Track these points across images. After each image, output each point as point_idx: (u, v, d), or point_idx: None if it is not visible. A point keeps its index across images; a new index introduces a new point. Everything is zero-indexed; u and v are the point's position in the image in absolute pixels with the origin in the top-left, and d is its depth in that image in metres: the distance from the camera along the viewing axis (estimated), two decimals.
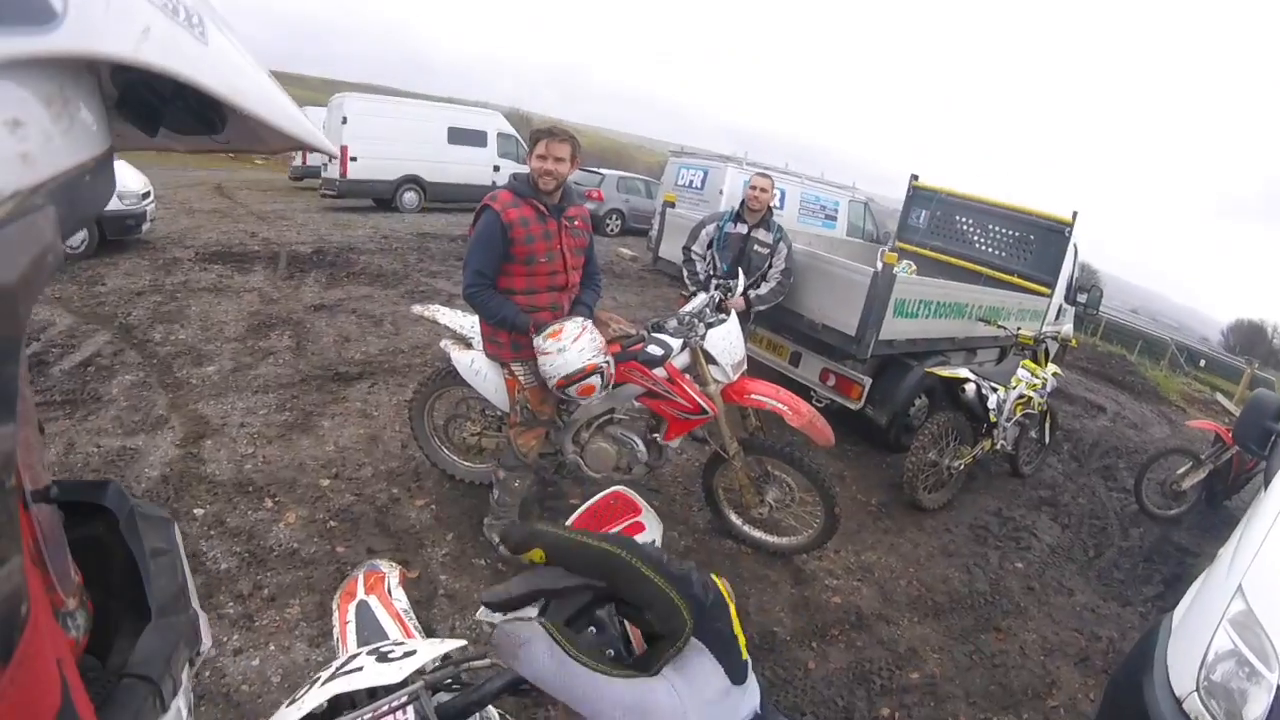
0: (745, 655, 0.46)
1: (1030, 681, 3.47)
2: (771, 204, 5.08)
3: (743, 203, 5.07)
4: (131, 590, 0.48)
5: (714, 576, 0.48)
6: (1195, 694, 2.39)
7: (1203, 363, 23.53)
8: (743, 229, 5.01)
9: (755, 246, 4.98)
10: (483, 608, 1.13)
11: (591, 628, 0.89)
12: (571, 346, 3.14)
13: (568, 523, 1.12)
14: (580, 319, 3.24)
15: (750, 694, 0.47)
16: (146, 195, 8.63)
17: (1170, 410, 11.27)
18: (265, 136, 0.36)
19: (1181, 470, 5.68)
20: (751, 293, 4.84)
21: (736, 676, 0.45)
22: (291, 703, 1.04)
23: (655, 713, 0.42)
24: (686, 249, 5.16)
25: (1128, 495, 6.04)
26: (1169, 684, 2.50)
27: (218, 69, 0.29)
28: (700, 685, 0.44)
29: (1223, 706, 2.32)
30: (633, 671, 0.44)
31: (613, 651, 0.87)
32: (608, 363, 3.24)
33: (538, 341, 3.17)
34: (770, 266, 4.98)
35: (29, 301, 0.22)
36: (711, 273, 5.06)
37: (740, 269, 4.84)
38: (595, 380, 3.21)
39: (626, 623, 0.66)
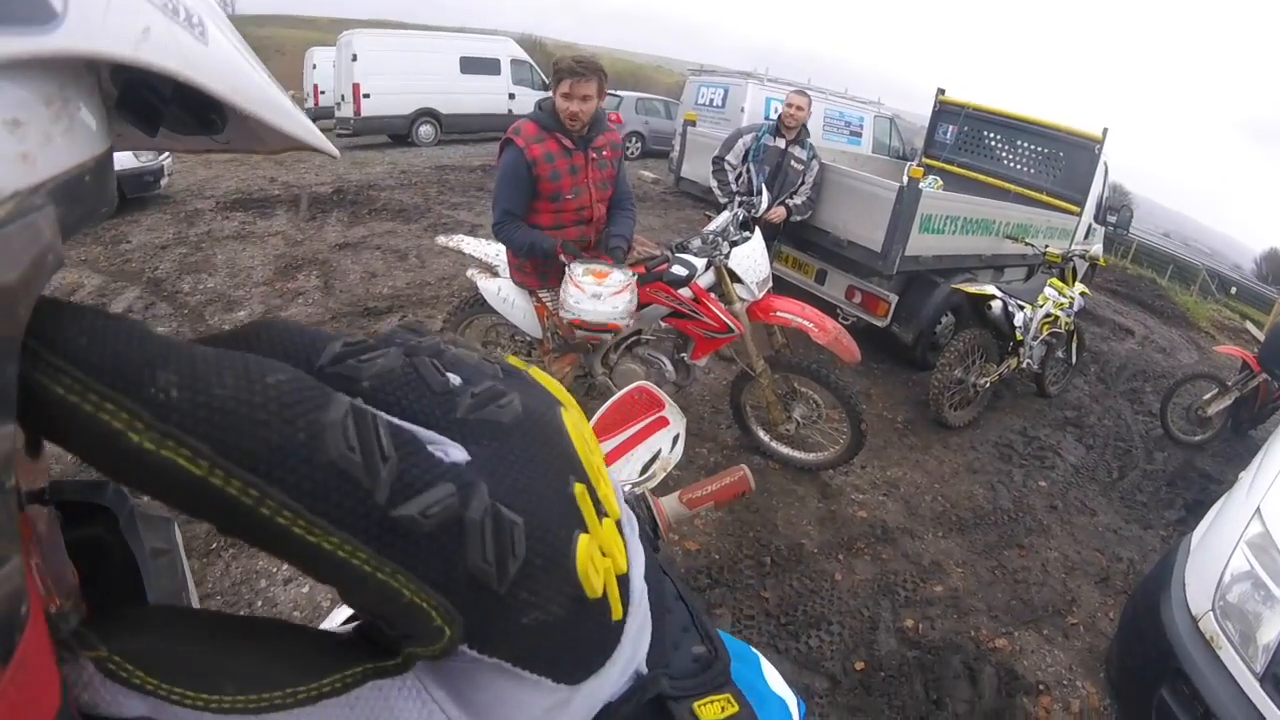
0: (618, 612, 0.27)
1: (1051, 598, 3.52)
2: (806, 122, 5.04)
3: (780, 117, 5.04)
4: (131, 590, 0.50)
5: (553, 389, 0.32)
6: (1210, 614, 2.43)
7: (1234, 290, 23.07)
8: (780, 144, 4.99)
9: (791, 162, 4.99)
10: None
11: None
12: (610, 298, 3.12)
13: (595, 416, 1.13)
14: (629, 275, 3.21)
15: (614, 669, 0.28)
16: (162, 150, 8.62)
17: (1199, 336, 11.11)
18: (265, 137, 0.36)
19: (1208, 396, 5.63)
20: (790, 201, 4.86)
21: (578, 673, 0.26)
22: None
23: None
24: (719, 159, 5.10)
25: (1153, 419, 6.00)
26: (1185, 603, 2.55)
27: (218, 69, 0.28)
28: (492, 709, 0.25)
29: (1237, 628, 2.37)
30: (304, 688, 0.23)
31: None
32: (627, 325, 3.26)
33: (575, 270, 3.13)
34: (803, 183, 4.99)
35: (29, 302, 0.21)
36: (741, 188, 5.05)
37: (772, 183, 4.85)
38: (607, 337, 3.23)
39: None
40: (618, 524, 0.28)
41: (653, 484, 1.13)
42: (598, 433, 1.16)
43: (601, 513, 0.27)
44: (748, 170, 5.06)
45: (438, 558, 0.21)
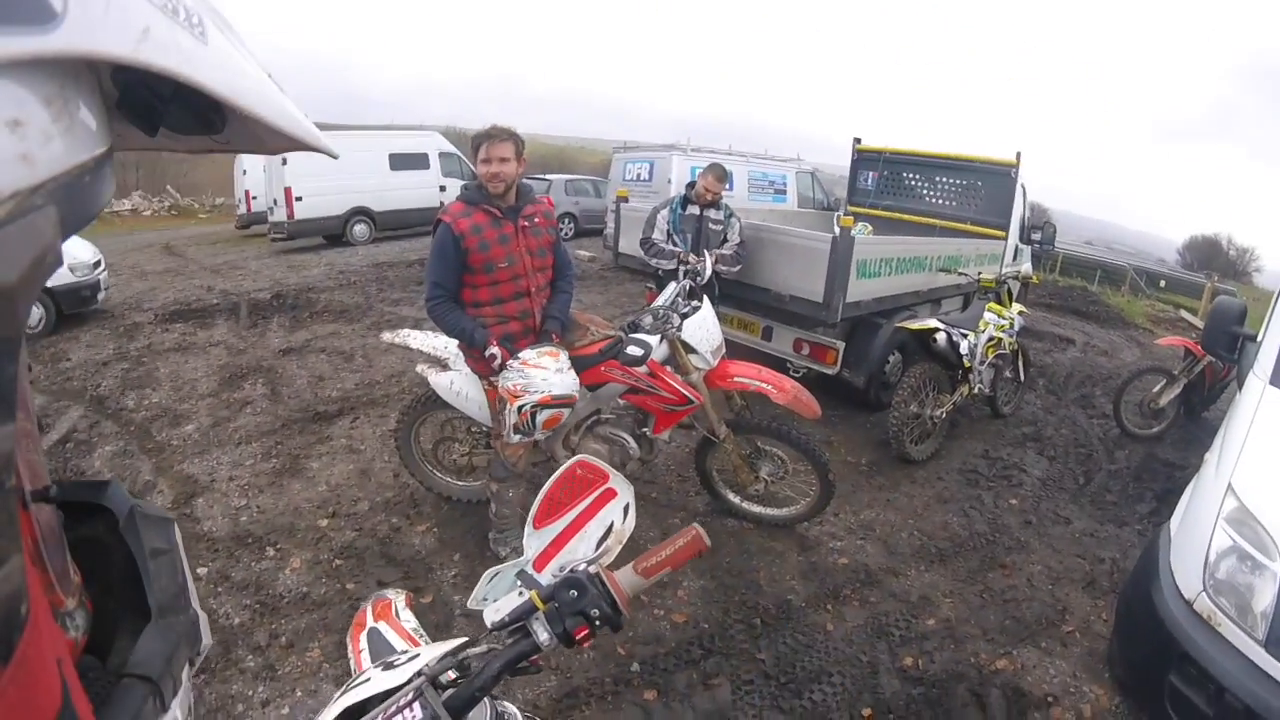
0: None
1: (1042, 611, 3.55)
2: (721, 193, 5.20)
3: (690, 185, 5.21)
4: (131, 590, 0.49)
5: None
6: (1204, 594, 2.48)
7: (1163, 283, 23.81)
8: (695, 210, 5.14)
9: (710, 225, 5.12)
10: (473, 597, 1.16)
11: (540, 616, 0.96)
12: (568, 371, 3.20)
13: (538, 497, 1.17)
14: (565, 354, 3.29)
15: None
16: (98, 264, 8.53)
17: (1138, 333, 11.48)
18: (264, 137, 0.37)
19: (1157, 388, 5.80)
20: (717, 251, 5.01)
21: None
22: None
23: None
24: (646, 239, 5.21)
25: (1108, 420, 6.16)
26: (1177, 589, 2.59)
27: (217, 69, 0.29)
28: None
29: (1232, 601, 2.41)
30: None
31: (556, 646, 0.92)
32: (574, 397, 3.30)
33: (529, 356, 3.17)
34: (726, 239, 5.12)
35: (29, 301, 0.22)
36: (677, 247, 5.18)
37: (697, 248, 5.00)
38: (565, 413, 3.25)
39: None
40: None
41: (609, 559, 1.13)
42: (546, 513, 1.17)
43: None
44: (672, 242, 5.18)
45: None
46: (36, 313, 7.72)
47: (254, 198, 18.71)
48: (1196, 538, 2.64)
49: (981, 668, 3.13)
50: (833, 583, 3.66)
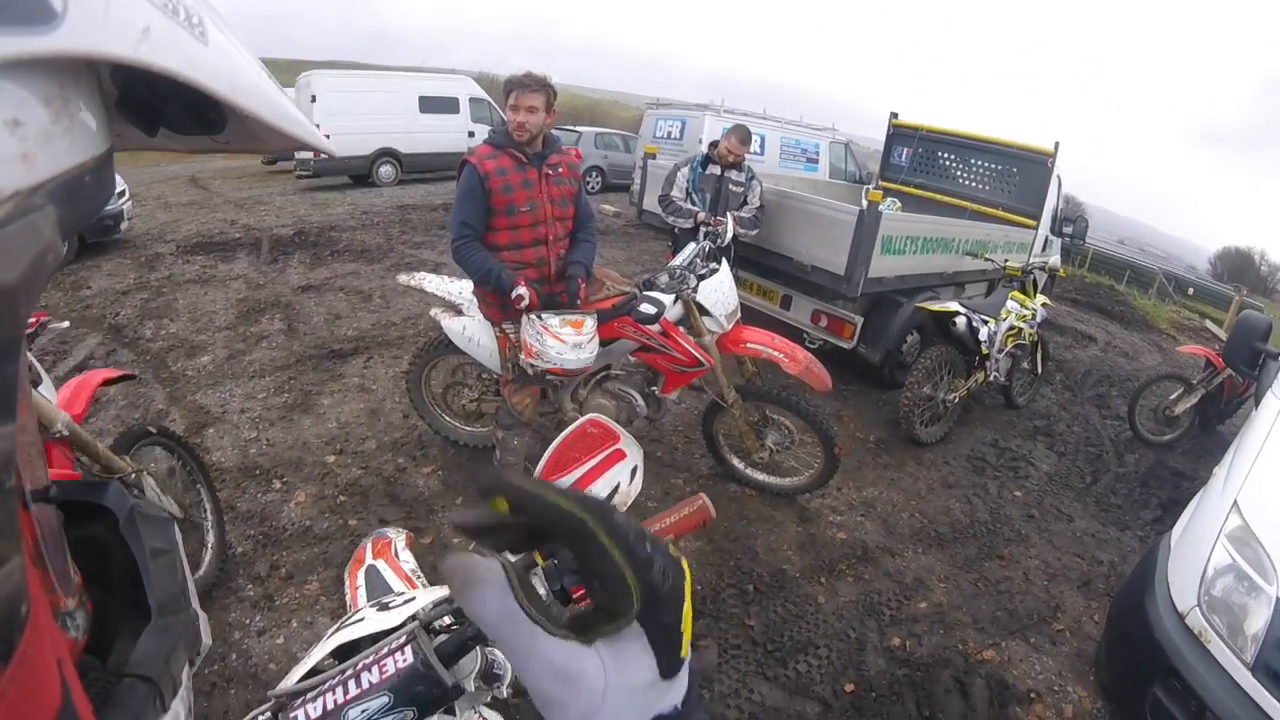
0: (685, 653, 0.45)
1: (1035, 606, 3.54)
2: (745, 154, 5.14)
3: (713, 145, 5.15)
4: (131, 590, 0.49)
5: (684, 564, 0.46)
6: (1197, 609, 2.45)
7: (1191, 291, 23.50)
8: (715, 170, 5.08)
9: (730, 186, 5.06)
10: (473, 548, 1.16)
11: (539, 571, 0.93)
12: (586, 346, 3.21)
13: (547, 451, 1.15)
14: (594, 319, 3.30)
15: (676, 689, 0.46)
16: (121, 194, 8.56)
17: (1160, 338, 11.30)
18: (265, 137, 0.37)
19: (1174, 396, 5.72)
20: (736, 213, 4.95)
21: (667, 670, 0.44)
22: (301, 662, 1.07)
23: (578, 681, 0.41)
24: (665, 196, 5.17)
25: (1122, 422, 6.08)
26: (1171, 601, 2.57)
27: (217, 69, 0.29)
28: (628, 670, 0.42)
29: (1224, 620, 2.38)
30: (569, 634, 0.42)
31: (551, 602, 0.92)
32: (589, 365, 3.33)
33: (552, 322, 3.17)
34: (745, 203, 5.07)
35: (29, 302, 0.22)
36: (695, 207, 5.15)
37: (715, 208, 4.97)
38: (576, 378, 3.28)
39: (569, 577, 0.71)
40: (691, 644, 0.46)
41: None
42: (553, 469, 1.16)
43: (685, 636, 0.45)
44: (691, 201, 5.13)
45: (643, 568, 0.40)
46: None
47: None
48: (1196, 551, 2.62)
49: (968, 656, 3.13)
50: (829, 556, 3.67)
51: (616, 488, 1.17)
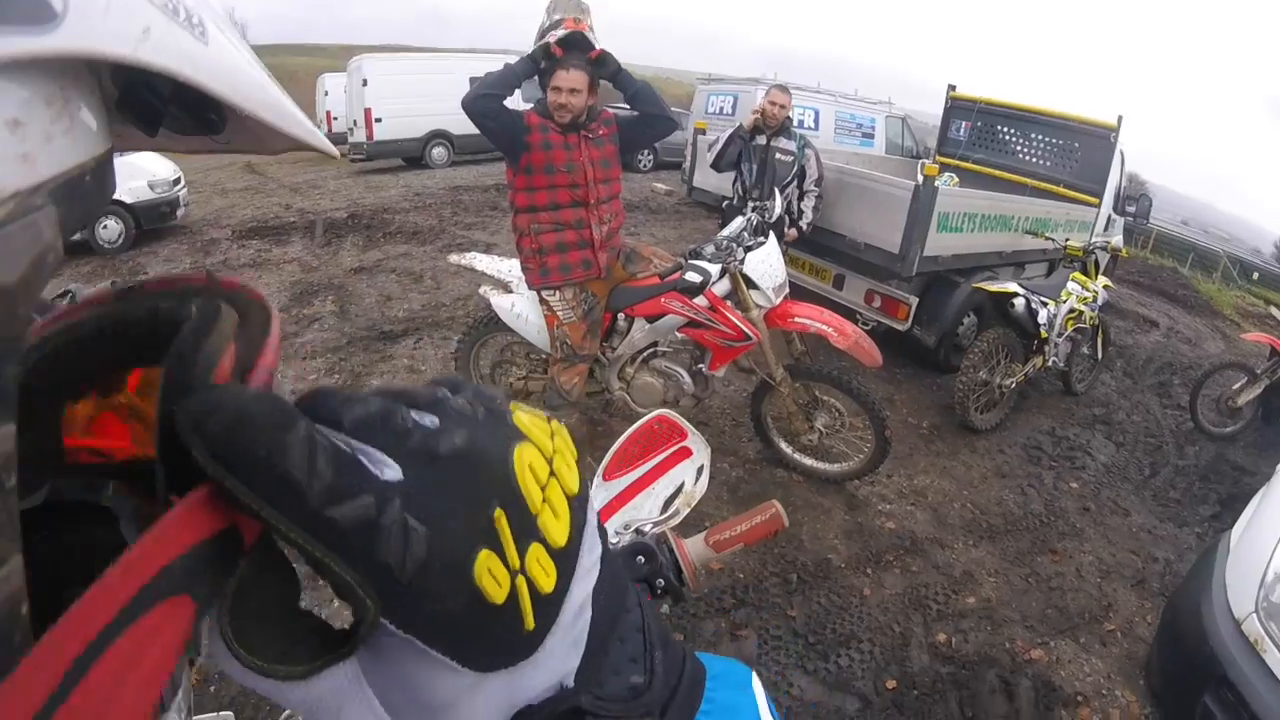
0: (530, 623, 0.30)
1: (1087, 604, 3.42)
2: (790, 115, 4.98)
3: (759, 113, 4.96)
4: None
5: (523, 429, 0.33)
6: (1254, 615, 2.33)
7: (1256, 275, 22.82)
8: (762, 140, 4.92)
9: (777, 155, 4.90)
10: None
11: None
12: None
13: (613, 447, 1.11)
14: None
15: (546, 664, 0.32)
16: (177, 181, 8.79)
17: (1224, 325, 10.91)
18: (265, 137, 0.36)
19: (1237, 386, 5.47)
20: (802, 223, 4.83)
21: (482, 661, 0.30)
22: None
23: (322, 713, 0.30)
24: (715, 166, 5.11)
25: (1183, 412, 5.87)
26: (1227, 605, 2.45)
27: (218, 69, 0.29)
28: (405, 681, 0.30)
29: None
30: (313, 661, 0.29)
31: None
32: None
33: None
34: (804, 177, 4.90)
35: (29, 302, 0.22)
36: (738, 191, 5.05)
37: (761, 180, 4.84)
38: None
39: None
40: (559, 550, 0.32)
41: (675, 521, 1.06)
42: (617, 465, 1.11)
43: (531, 536, 0.30)
44: (739, 173, 5.03)
45: (356, 548, 0.26)
46: (116, 227, 8.06)
47: (335, 119, 18.90)
48: (1256, 554, 2.49)
49: (1015, 655, 3.04)
50: (876, 546, 3.59)
51: (681, 487, 1.12)
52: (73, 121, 0.24)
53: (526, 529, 0.30)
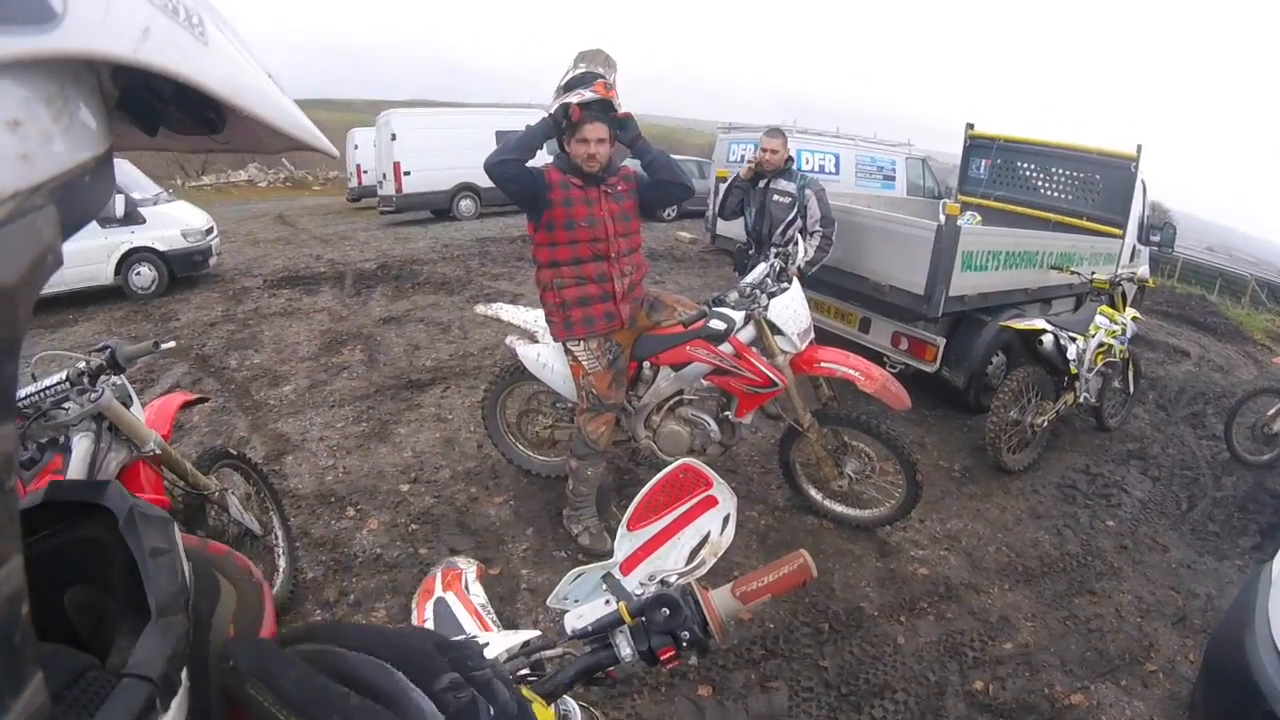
0: None
1: (1127, 645, 3.33)
2: (791, 156, 5.02)
3: (753, 163, 5.00)
4: (132, 590, 0.49)
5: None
6: None
7: None
8: (761, 184, 4.96)
9: (775, 197, 4.92)
10: (554, 595, 1.12)
11: (625, 630, 0.92)
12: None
13: (638, 496, 1.11)
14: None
15: None
16: (210, 231, 9.04)
17: (1255, 350, 10.70)
18: (265, 137, 0.37)
19: (1272, 412, 5.35)
20: (801, 262, 4.77)
21: None
22: None
23: None
24: (714, 218, 5.13)
25: (1218, 442, 5.74)
26: (1271, 639, 2.36)
27: (217, 69, 0.29)
28: None
29: None
30: None
31: (636, 662, 0.88)
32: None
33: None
34: (805, 217, 4.87)
35: (29, 302, 0.22)
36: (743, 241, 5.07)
37: (760, 225, 4.91)
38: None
39: None
40: None
41: (701, 571, 1.06)
42: (642, 515, 1.12)
43: None
44: (744, 218, 5.07)
45: None
46: (149, 274, 8.34)
47: (365, 171, 19.31)
48: None
49: (1055, 700, 2.96)
50: (909, 593, 3.53)
51: (707, 536, 1.11)
52: (73, 121, 0.25)
53: None
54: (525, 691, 0.46)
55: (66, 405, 2.17)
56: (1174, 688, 3.10)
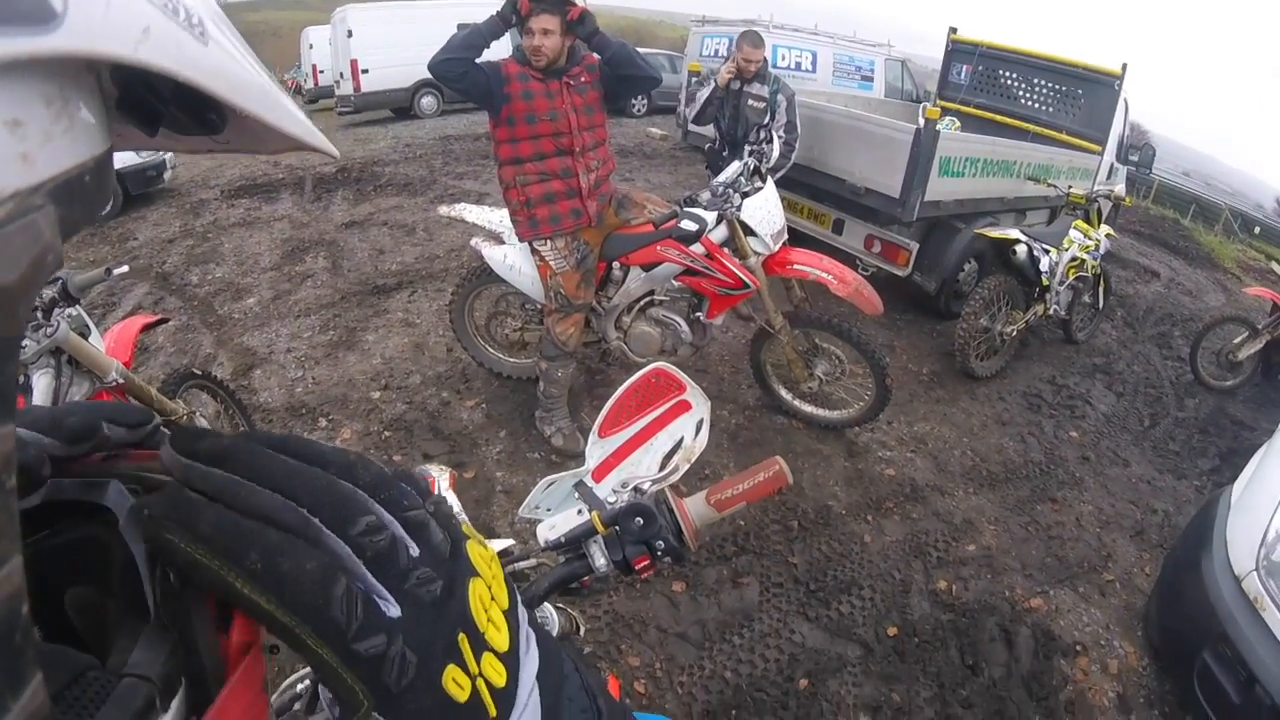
0: (492, 711, 0.39)
1: (1086, 554, 3.44)
2: (765, 59, 4.87)
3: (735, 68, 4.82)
4: (132, 590, 0.46)
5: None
6: (1255, 573, 2.34)
7: (1257, 230, 22.66)
8: (735, 85, 4.81)
9: (749, 102, 4.78)
10: (526, 505, 1.11)
11: (599, 540, 0.93)
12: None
13: (609, 402, 1.09)
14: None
15: None
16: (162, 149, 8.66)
17: (1225, 278, 10.86)
18: (265, 137, 0.37)
19: (1238, 340, 5.43)
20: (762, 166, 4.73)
21: None
22: None
23: None
24: (687, 118, 5.03)
25: (1183, 364, 5.84)
26: (1228, 562, 2.46)
27: (217, 69, 0.29)
28: None
29: None
30: None
31: (611, 572, 0.92)
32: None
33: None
34: (771, 119, 4.76)
35: (28, 302, 0.22)
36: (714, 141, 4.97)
37: (734, 129, 4.80)
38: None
39: None
40: (505, 653, 0.41)
41: (675, 478, 1.04)
42: (614, 421, 1.10)
43: (483, 648, 0.39)
44: (716, 120, 4.95)
45: (368, 670, 0.34)
46: None
47: (321, 72, 18.69)
48: (1258, 512, 2.49)
49: (1015, 603, 3.06)
50: (876, 493, 3.60)
51: (680, 442, 1.10)
52: (72, 121, 0.24)
53: (479, 644, 0.39)
54: (466, 528, 0.46)
55: (23, 343, 2.11)
56: (1130, 598, 3.21)
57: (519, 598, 0.46)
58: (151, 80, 0.27)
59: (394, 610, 0.36)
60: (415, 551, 0.38)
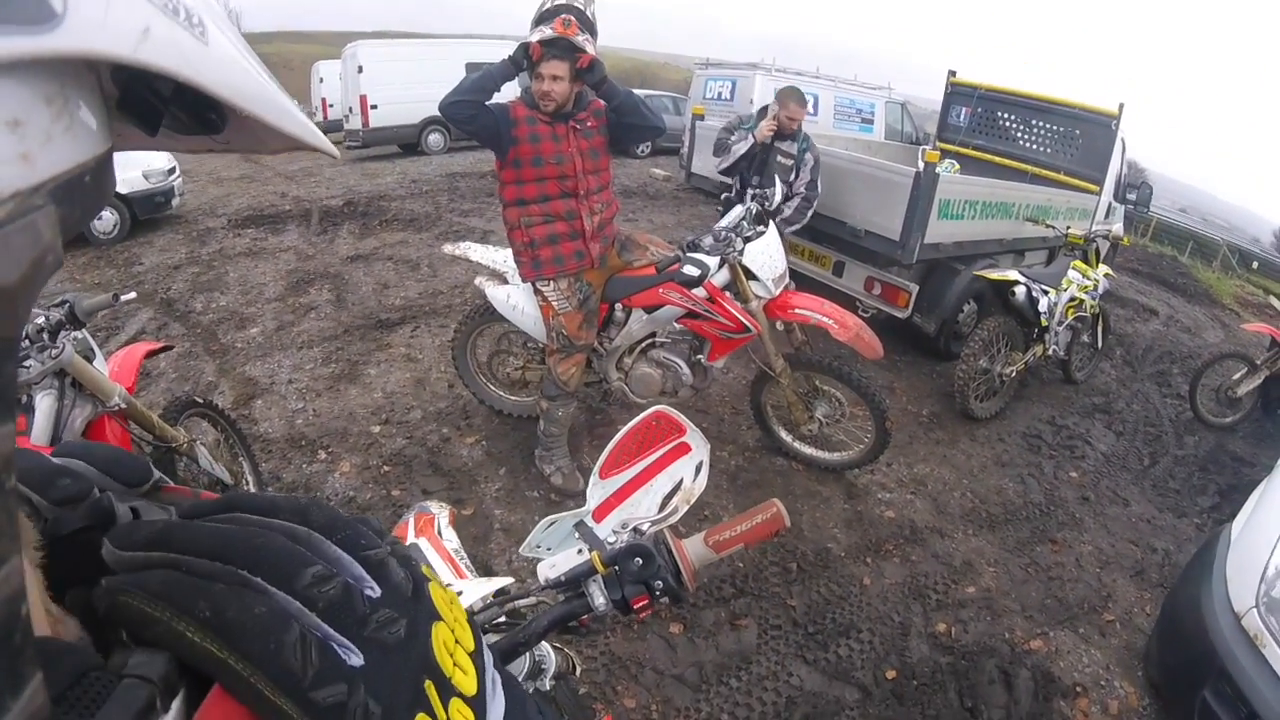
0: None
1: (1086, 595, 3.42)
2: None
3: (762, 111, 4.80)
4: None
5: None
6: (1255, 610, 2.33)
7: (1255, 264, 22.74)
8: (767, 140, 4.78)
9: (778, 158, 4.76)
10: (527, 544, 1.12)
11: (598, 580, 0.94)
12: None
13: (610, 444, 1.11)
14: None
15: None
16: (172, 171, 8.69)
17: (1224, 314, 10.88)
18: (265, 137, 0.37)
19: (1237, 376, 5.45)
20: (778, 221, 4.69)
21: None
22: None
23: None
24: (720, 169, 4.95)
25: (1182, 402, 5.83)
26: (1228, 599, 2.45)
27: (218, 69, 0.29)
28: None
29: None
30: None
31: (610, 612, 0.93)
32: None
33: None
34: (796, 177, 4.75)
35: (28, 302, 0.22)
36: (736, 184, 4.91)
37: (759, 178, 4.73)
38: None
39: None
40: (472, 698, 0.41)
41: (674, 519, 1.06)
42: (614, 462, 1.11)
43: (450, 693, 0.39)
44: (741, 174, 4.91)
45: None
46: (111, 218, 7.95)
47: (330, 105, 18.78)
48: (1257, 548, 2.48)
49: (1015, 645, 3.04)
50: (876, 535, 3.58)
51: (679, 484, 1.11)
52: (73, 121, 0.24)
53: (446, 690, 0.39)
54: (425, 569, 0.45)
55: (27, 363, 2.11)
56: (1130, 638, 3.19)
57: (484, 640, 0.46)
58: (152, 80, 0.27)
59: (355, 659, 0.35)
60: (375, 592, 0.38)
